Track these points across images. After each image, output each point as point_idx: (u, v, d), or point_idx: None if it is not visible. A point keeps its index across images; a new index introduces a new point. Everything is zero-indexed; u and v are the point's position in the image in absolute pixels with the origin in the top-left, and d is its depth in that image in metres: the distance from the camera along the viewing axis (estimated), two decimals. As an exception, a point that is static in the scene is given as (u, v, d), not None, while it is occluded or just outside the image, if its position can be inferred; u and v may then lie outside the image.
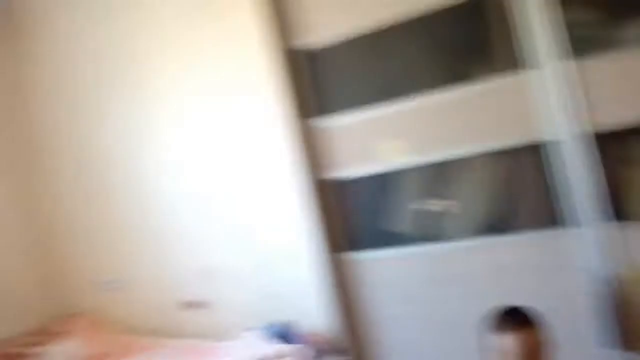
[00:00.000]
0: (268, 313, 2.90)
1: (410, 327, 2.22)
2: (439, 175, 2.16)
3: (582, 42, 1.82)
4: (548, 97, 1.93)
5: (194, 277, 3.15)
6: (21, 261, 3.45)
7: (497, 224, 2.08)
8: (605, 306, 1.87)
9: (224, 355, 2.65)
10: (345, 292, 2.33)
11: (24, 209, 3.51)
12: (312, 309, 2.79)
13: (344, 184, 2.30)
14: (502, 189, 2.08)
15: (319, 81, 2.35)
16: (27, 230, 3.52)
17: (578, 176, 1.91)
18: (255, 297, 2.97)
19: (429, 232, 2.18)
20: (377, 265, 2.27)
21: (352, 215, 2.31)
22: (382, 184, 2.25)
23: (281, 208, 2.89)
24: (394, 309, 2.25)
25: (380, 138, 2.22)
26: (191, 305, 3.17)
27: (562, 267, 1.97)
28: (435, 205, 2.16)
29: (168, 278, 3.23)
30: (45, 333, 3.29)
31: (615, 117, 1.84)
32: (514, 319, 1.44)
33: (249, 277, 3.00)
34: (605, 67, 1.83)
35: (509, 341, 1.39)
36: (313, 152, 2.35)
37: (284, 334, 2.70)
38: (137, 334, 3.29)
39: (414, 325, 2.21)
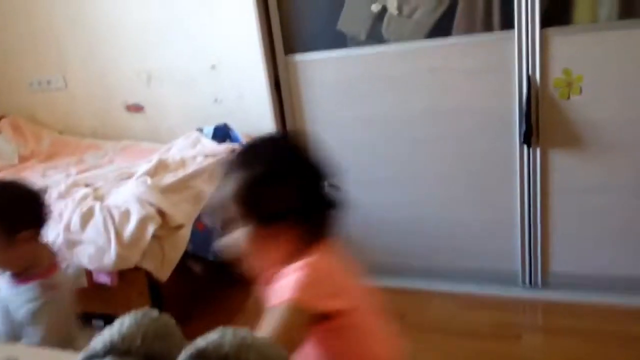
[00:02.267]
0: (211, 117, 2.92)
1: (344, 126, 2.30)
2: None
3: None
4: None
5: (135, 80, 3.07)
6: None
7: (437, 28, 2.07)
8: (529, 106, 1.98)
9: (167, 151, 2.70)
10: (288, 92, 2.34)
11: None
12: (255, 113, 2.85)
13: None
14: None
15: None
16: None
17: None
18: (200, 101, 2.97)
19: (373, 34, 2.16)
20: (320, 66, 2.26)
21: (302, 16, 2.23)
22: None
23: (227, 9, 2.78)
24: (332, 108, 2.30)
25: None
26: (133, 108, 3.14)
27: (495, 70, 2.03)
28: (379, 6, 2.11)
29: (109, 80, 3.14)
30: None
31: None
32: None
33: (194, 80, 2.96)
34: None
35: None
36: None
37: (224, 135, 2.76)
38: (76, 134, 3.27)
39: (348, 124, 2.29)
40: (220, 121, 2.83)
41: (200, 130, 2.82)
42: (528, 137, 2.00)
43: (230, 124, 2.80)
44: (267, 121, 2.52)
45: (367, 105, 2.24)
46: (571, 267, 2.13)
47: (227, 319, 2.29)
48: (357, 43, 2.18)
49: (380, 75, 2.18)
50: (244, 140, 2.71)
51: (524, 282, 2.20)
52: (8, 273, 1.35)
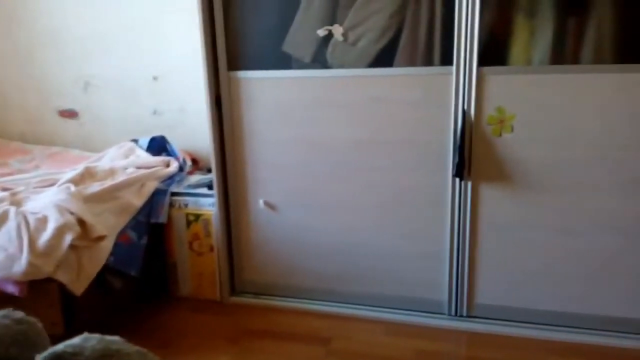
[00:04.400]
0: (150, 129, 2.84)
1: (284, 147, 2.27)
2: (336, 2, 2.11)
3: None
4: None
5: (72, 86, 2.95)
6: None
7: (381, 57, 2.11)
8: (462, 141, 2.03)
9: (97, 160, 2.59)
10: (229, 109, 2.30)
11: None
12: (196, 127, 2.79)
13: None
14: (390, 23, 2.07)
15: None
16: None
17: (461, 17, 1.95)
18: (139, 112, 2.88)
19: (318, 58, 2.17)
20: (263, 85, 2.23)
21: (248, 34, 2.22)
22: (282, 3, 2.15)
23: (175, 22, 2.73)
24: (273, 128, 2.27)
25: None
26: (67, 114, 3.00)
27: (434, 103, 2.07)
28: (327, 30, 2.13)
29: (44, 85, 3.00)
30: None
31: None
32: None
33: (134, 90, 2.87)
34: None
35: None
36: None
37: (160, 148, 2.67)
38: (5, 137, 3.09)
39: (288, 145, 2.26)
40: (157, 133, 2.75)
41: (136, 141, 2.73)
42: (460, 170, 2.05)
43: (169, 138, 2.72)
44: (207, 136, 2.46)
45: (308, 128, 2.23)
46: (496, 300, 2.16)
47: (146, 335, 2.16)
48: (302, 65, 2.18)
49: (323, 100, 2.19)
50: (180, 154, 2.64)
51: (449, 312, 2.21)
52: None
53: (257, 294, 2.43)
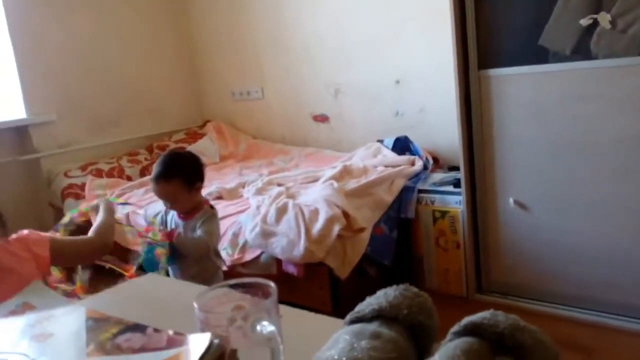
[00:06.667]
0: (391, 130, 3.01)
1: (536, 146, 2.19)
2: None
3: None
4: None
5: (324, 93, 3.29)
6: (174, 76, 3.81)
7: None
8: None
9: (349, 160, 2.85)
10: (477, 108, 2.31)
11: (177, 34, 3.80)
12: (437, 126, 2.87)
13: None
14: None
15: None
16: (179, 52, 3.82)
17: None
18: (382, 114, 3.08)
19: (579, 49, 2.04)
20: (516, 81, 2.19)
21: (500, 31, 2.20)
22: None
23: (414, 29, 2.85)
24: (524, 126, 2.21)
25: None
26: (319, 118, 3.37)
27: None
28: (591, 19, 1.99)
29: (300, 93, 3.42)
30: (186, 134, 3.72)
31: None
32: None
33: (378, 94, 3.08)
34: None
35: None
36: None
37: (403, 147, 2.82)
38: (268, 140, 3.60)
39: (542, 144, 2.18)
40: (399, 134, 2.90)
41: (381, 141, 2.92)
42: None
43: (411, 137, 2.85)
44: (449, 135, 2.51)
45: (566, 124, 2.11)
46: None
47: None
48: (560, 59, 2.08)
49: (584, 94, 2.05)
50: (423, 152, 2.74)
51: None
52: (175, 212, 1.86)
53: (504, 294, 2.39)
